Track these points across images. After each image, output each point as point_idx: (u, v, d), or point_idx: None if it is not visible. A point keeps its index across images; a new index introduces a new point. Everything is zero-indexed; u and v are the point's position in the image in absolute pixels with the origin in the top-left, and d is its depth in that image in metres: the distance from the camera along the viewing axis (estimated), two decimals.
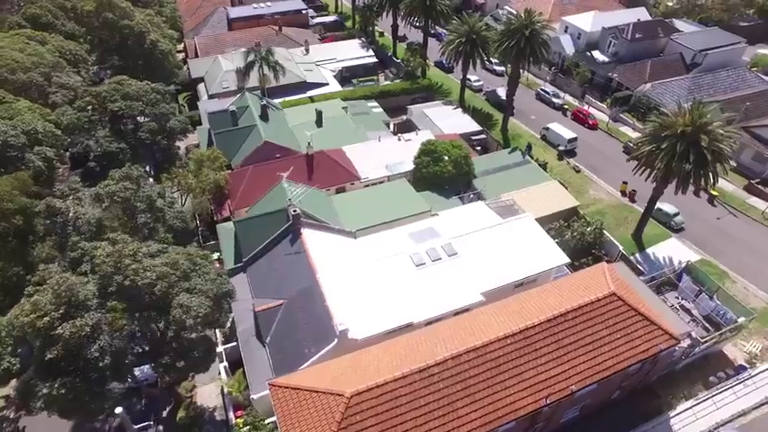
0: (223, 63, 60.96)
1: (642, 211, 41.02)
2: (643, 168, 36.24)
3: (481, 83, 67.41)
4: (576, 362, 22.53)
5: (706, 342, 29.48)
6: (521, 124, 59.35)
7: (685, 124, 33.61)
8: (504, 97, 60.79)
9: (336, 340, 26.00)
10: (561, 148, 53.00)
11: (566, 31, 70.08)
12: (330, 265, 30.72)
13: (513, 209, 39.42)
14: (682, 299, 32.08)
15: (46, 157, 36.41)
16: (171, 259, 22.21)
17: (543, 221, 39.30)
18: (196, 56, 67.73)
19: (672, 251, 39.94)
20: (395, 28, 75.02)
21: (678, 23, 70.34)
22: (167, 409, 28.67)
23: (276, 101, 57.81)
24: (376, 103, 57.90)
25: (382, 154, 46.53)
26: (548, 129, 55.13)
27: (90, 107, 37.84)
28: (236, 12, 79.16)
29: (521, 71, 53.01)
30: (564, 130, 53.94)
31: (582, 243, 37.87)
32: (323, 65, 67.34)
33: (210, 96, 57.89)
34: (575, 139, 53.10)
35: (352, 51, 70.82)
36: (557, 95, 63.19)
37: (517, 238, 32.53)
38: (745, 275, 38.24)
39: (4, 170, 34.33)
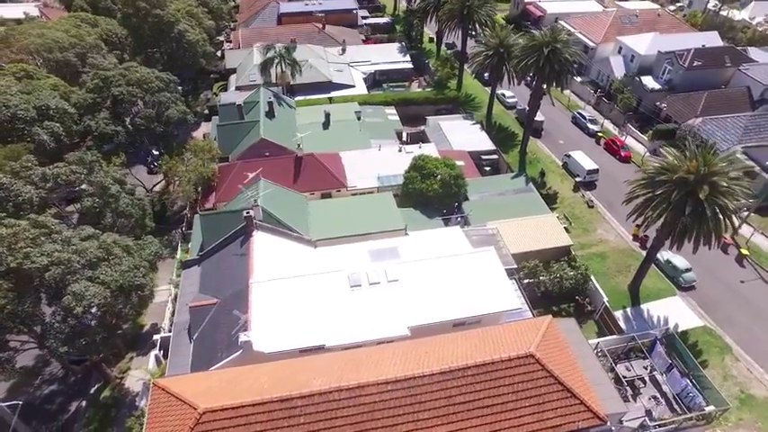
0: (256, 56, 62.36)
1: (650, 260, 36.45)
2: (635, 216, 32.11)
3: (515, 99, 63.73)
4: (467, 425, 20.20)
5: (662, 426, 25.44)
6: (544, 148, 55.41)
7: (689, 171, 29.25)
8: (538, 118, 57.20)
9: (241, 350, 25.40)
10: (579, 179, 48.70)
11: (619, 53, 64.42)
12: (271, 271, 30.17)
13: (492, 239, 36.79)
14: (652, 370, 27.97)
15: (53, 131, 39.04)
16: (81, 247, 22.78)
17: (529, 257, 36.39)
18: (238, 47, 70.07)
19: (670, 311, 35.23)
20: (439, 35, 73.15)
21: (755, 52, 62.11)
22: (95, 387, 29.67)
23: (298, 98, 58.44)
24: (394, 111, 56.53)
25: (378, 164, 45.24)
26: (569, 156, 50.92)
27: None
28: (286, 7, 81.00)
29: (563, 91, 49.25)
30: (586, 159, 49.50)
31: (560, 288, 34.39)
32: (357, 66, 66.94)
33: (237, 88, 59.50)
34: (596, 170, 48.55)
35: (389, 55, 69.81)
36: (594, 121, 58.28)
37: (472, 272, 30.00)
38: (754, 354, 32.78)
39: (11, 140, 37.21)
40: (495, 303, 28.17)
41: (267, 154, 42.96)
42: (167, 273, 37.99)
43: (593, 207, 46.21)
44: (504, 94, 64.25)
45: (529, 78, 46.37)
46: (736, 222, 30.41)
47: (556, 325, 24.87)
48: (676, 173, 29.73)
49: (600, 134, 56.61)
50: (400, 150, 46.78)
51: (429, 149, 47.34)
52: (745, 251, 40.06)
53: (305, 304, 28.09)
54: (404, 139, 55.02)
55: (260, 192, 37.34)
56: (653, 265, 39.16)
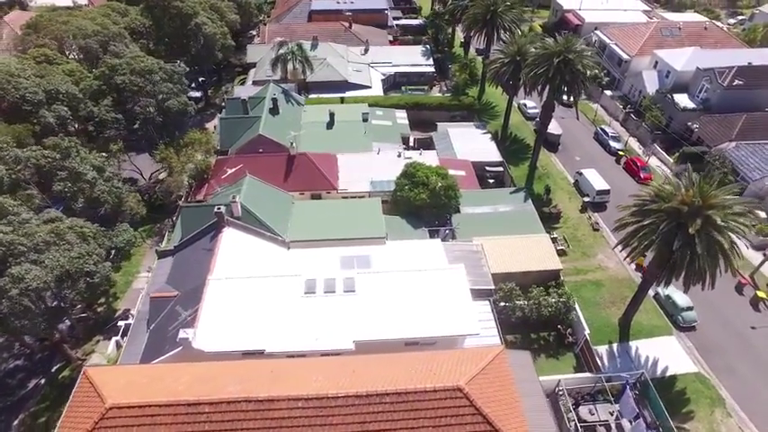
0: (262, 55, 62.89)
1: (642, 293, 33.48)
2: (623, 246, 29.44)
3: (536, 110, 60.71)
4: None
5: None
6: (557, 163, 52.54)
7: (683, 201, 26.46)
8: (555, 132, 54.39)
9: (181, 347, 25.16)
10: (588, 199, 45.72)
11: (654, 67, 60.19)
12: (233, 269, 29.89)
13: (475, 256, 34.99)
14: (619, 417, 25.43)
15: (59, 115, 40.50)
16: (31, 230, 23.22)
17: (513, 278, 34.36)
18: (264, 42, 70.84)
19: (662, 352, 32.22)
20: (467, 39, 71.26)
21: None
22: (57, 366, 30.39)
23: (312, 96, 58.28)
24: (404, 115, 55.22)
25: (374, 168, 44.23)
26: (581, 174, 47.95)
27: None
28: (317, 4, 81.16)
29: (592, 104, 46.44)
30: (597, 178, 46.41)
31: (538, 315, 32.16)
32: (377, 67, 66.08)
33: (254, 83, 60.08)
34: (606, 191, 45.40)
35: (412, 58, 68.50)
36: (617, 139, 54.74)
37: (434, 290, 28.49)
38: (750, 410, 29.33)
39: (18, 121, 38.83)
40: (452, 326, 26.60)
41: (261, 150, 42.82)
42: (152, 260, 38.57)
43: (598, 230, 43.23)
44: (525, 104, 61.58)
45: (539, 89, 43.78)
46: (738, 262, 27.12)
47: (505, 357, 23.07)
48: (668, 202, 27.00)
49: (621, 152, 53.04)
50: (399, 155, 45.56)
51: (429, 156, 45.97)
52: (762, 294, 36.16)
53: (256, 306, 27.63)
54: (411, 144, 53.68)
55: (243, 188, 37.26)
56: (653, 299, 36.27)
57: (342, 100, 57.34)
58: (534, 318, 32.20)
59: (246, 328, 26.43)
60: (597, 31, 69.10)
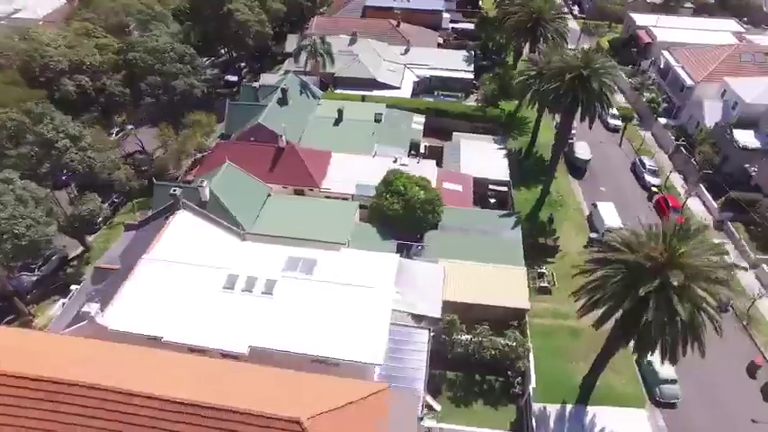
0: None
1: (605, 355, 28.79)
2: (576, 298, 25.28)
3: (574, 131, 55.44)
4: None
5: None
6: (578, 191, 47.48)
7: (648, 255, 22.06)
8: (583, 156, 49.29)
9: (86, 321, 25.35)
10: (595, 235, 40.66)
11: (722, 96, 52.38)
12: (171, 252, 29.81)
13: (432, 279, 32.23)
14: None
15: (80, 84, 43.18)
16: None
17: (472, 310, 31.24)
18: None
19: (623, 427, 27.42)
20: (517, 48, 66.82)
21: None
22: (6, 319, 32.15)
23: (338, 91, 57.54)
24: (422, 120, 52.71)
25: (366, 171, 42.38)
26: (595, 206, 42.79)
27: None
28: (372, 0, 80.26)
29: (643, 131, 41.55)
30: (611, 214, 41.14)
31: (480, 356, 28.80)
32: (413, 68, 63.92)
33: (285, 72, 60.58)
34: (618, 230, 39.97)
35: (453, 63, 65.37)
36: (655, 172, 48.36)
37: (352, 309, 26.41)
38: None
39: (40, 87, 41.79)
40: (352, 351, 24.39)
41: (252, 139, 42.68)
42: None
43: None
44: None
45: (554, 106, 39.53)
46: (705, 333, 22.10)
47: (385, 397, 20.62)
48: (635, 253, 22.70)
49: (655, 189, 46.69)
50: (395, 161, 43.32)
51: (427, 166, 43.28)
52: None
53: (175, 293, 27.33)
54: (422, 151, 51.21)
55: (217, 174, 37.29)
56: (635, 361, 31.28)
57: (363, 98, 55.96)
58: (476, 358, 28.86)
59: (156, 313, 26.15)
60: (664, 52, 61.58)
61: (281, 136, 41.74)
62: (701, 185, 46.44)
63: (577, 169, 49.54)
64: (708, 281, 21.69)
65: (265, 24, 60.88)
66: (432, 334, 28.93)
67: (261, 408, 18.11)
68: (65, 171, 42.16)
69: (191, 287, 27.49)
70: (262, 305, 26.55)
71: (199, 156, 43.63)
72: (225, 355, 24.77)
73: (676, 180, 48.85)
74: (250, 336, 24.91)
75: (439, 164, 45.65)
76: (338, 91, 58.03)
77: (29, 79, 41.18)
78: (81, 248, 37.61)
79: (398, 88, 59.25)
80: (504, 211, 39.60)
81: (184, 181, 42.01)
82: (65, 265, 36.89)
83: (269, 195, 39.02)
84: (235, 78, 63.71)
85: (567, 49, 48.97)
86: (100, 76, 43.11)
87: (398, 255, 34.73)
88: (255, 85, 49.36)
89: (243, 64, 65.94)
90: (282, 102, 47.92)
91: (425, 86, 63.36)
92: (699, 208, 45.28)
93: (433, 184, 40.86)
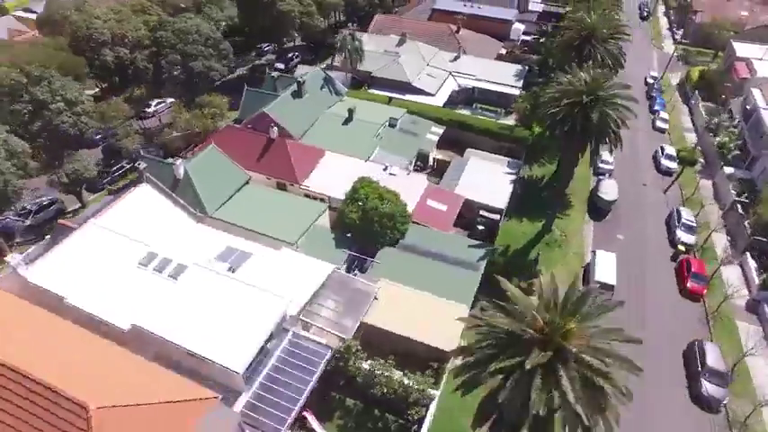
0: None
1: None
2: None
3: (611, 167, 49.20)
4: None
5: None
6: (589, 234, 42.21)
7: (535, 327, 18.37)
8: (608, 197, 43.56)
9: (11, 271, 27.36)
10: (582, 289, 35.29)
11: None
12: (114, 222, 31.26)
13: (358, 299, 30.34)
14: None
15: (119, 56, 47.11)
16: None
17: (391, 339, 28.97)
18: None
19: None
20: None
21: None
22: None
23: (372, 91, 56.57)
24: (438, 131, 50.05)
25: (351, 174, 40.83)
26: (594, 254, 37.37)
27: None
28: (442, 3, 77.88)
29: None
30: (607, 267, 35.79)
31: (370, 389, 26.37)
32: (458, 77, 60.96)
33: (327, 66, 61.04)
34: (609, 286, 34.63)
35: (502, 76, 61.11)
36: (691, 229, 41.19)
37: (247, 313, 25.55)
38: None
39: (82, 56, 46.04)
40: (220, 353, 23.58)
41: (250, 126, 43.29)
42: None
43: None
44: (600, 156, 50.11)
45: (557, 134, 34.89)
46: None
47: (206, 407, 19.64)
48: (518, 321, 19.10)
49: (683, 248, 39.64)
50: (385, 169, 41.53)
51: (415, 180, 40.94)
52: None
53: (97, 259, 28.57)
54: (430, 163, 48.62)
55: (199, 155, 38.43)
56: None
57: (390, 100, 54.46)
58: (367, 391, 26.53)
59: (72, 275, 27.45)
60: (754, 89, 52.08)
61: (273, 127, 41.86)
62: (747, 254, 38.57)
63: (599, 210, 43.74)
64: (593, 372, 17.50)
65: (314, 16, 61.68)
66: (335, 355, 27.14)
67: (69, 385, 18.07)
68: (99, 135, 46.67)
69: (112, 257, 28.54)
70: (163, 288, 26.79)
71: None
72: (111, 332, 25.28)
73: (719, 241, 41.07)
74: (138, 315, 25.18)
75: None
76: (371, 90, 57.09)
77: (75, 47, 45.54)
78: (78, 204, 40.98)
79: (432, 95, 56.76)
80: (477, 242, 35.98)
81: (182, 156, 43.86)
82: (60, 216, 40.44)
83: (246, 183, 39.31)
84: (282, 66, 65.43)
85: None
86: (134, 50, 46.44)
87: (343, 266, 33.46)
88: (274, 74, 49.96)
89: (296, 54, 67.44)
90: (297, 94, 48.04)
91: (466, 97, 60.12)
92: (735, 279, 37.61)
93: (415, 200, 38.70)
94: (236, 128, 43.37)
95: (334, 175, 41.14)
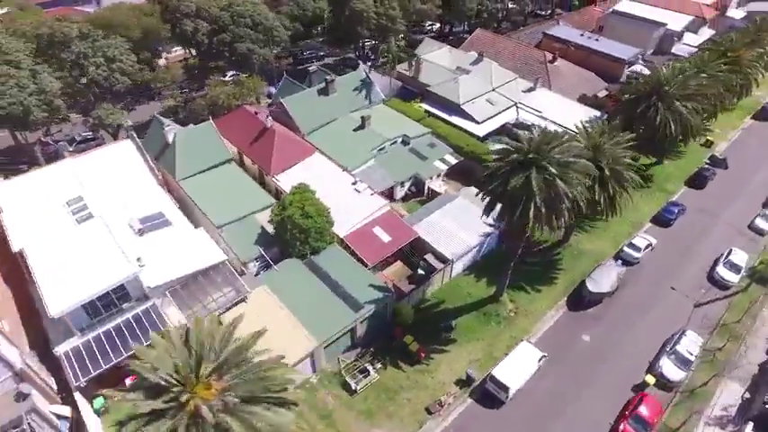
0: (428, 52, 60.77)
1: None
2: None
3: (638, 255, 39.85)
4: None
5: None
6: (551, 320, 34.98)
7: None
8: (598, 288, 36.05)
9: None
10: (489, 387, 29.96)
11: None
12: (85, 164, 36.57)
13: (228, 292, 30.60)
14: None
15: (196, 27, 53.74)
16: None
17: None
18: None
19: None
20: None
21: None
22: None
23: (422, 105, 54.53)
24: (450, 161, 46.42)
25: (319, 179, 40.59)
26: (516, 345, 31.20)
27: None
28: (558, 29, 70.33)
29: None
30: (516, 367, 29.58)
31: None
32: (523, 109, 55.31)
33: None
34: (503, 387, 28.66)
35: (570, 119, 53.14)
36: (685, 362, 31.51)
37: (95, 266, 27.99)
38: None
39: (169, 26, 53.40)
40: (49, 289, 26.25)
41: (255, 112, 45.47)
42: None
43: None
44: (632, 244, 40.99)
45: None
46: None
47: None
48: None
49: (650, 380, 30.58)
50: (354, 184, 40.25)
51: (375, 203, 38.78)
52: None
53: (49, 187, 33.85)
54: (425, 190, 45.39)
55: (193, 127, 42.15)
56: None
57: (427, 115, 51.95)
58: None
59: (22, 193, 33.13)
60: None
61: (268, 116, 43.49)
62: (750, 423, 28.29)
63: (582, 299, 36.04)
64: None
65: (395, 20, 61.31)
66: None
67: None
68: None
69: (57, 189, 33.53)
70: (65, 226, 31.17)
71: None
72: None
73: (725, 391, 30.70)
74: (31, 240, 29.48)
75: None
76: (422, 104, 55.21)
77: (163, 15, 52.88)
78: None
79: (477, 122, 52.47)
80: (382, 285, 32.79)
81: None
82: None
83: (227, 162, 41.78)
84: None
85: None
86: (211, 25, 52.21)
87: (256, 263, 34.01)
88: (312, 68, 51.39)
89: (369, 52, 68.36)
90: (323, 92, 48.79)
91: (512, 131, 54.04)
92: None
93: (358, 222, 36.89)
94: (246, 109, 46.12)
95: (305, 176, 41.12)
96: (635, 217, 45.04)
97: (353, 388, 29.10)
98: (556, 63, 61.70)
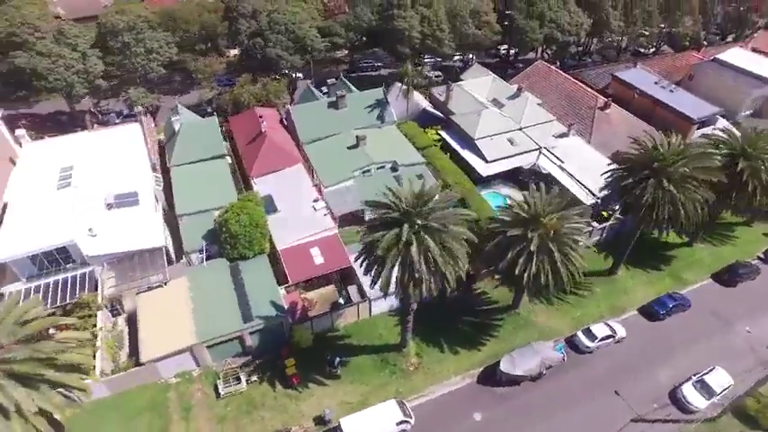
0: (471, 78, 59.25)
1: None
2: None
3: (611, 337, 35.54)
4: None
5: None
6: (443, 389, 32.99)
7: None
8: (509, 369, 33.49)
9: None
10: None
11: None
12: (93, 139, 43.24)
13: (151, 274, 34.34)
14: None
15: (248, 27, 58.74)
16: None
17: None
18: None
19: None
20: None
21: None
22: None
23: (442, 132, 53.78)
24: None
25: (291, 191, 42.69)
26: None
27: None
28: (629, 74, 62.90)
29: None
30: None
31: None
32: (545, 155, 51.60)
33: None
34: None
35: (592, 175, 48.35)
36: None
37: (48, 226, 33.21)
38: None
39: (227, 23, 59.18)
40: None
41: (260, 116, 48.43)
42: None
43: None
44: (589, 330, 36.52)
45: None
46: None
47: None
48: None
49: None
50: (315, 201, 41.61)
51: (325, 224, 39.75)
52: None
53: (55, 154, 40.75)
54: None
55: (201, 119, 46.97)
56: None
57: (429, 146, 50.91)
58: None
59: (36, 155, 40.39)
60: None
61: (263, 122, 46.32)
62: None
63: (495, 376, 33.36)
64: None
65: (444, 42, 60.43)
66: None
67: None
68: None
69: (61, 157, 40.15)
70: (49, 188, 37.16)
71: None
72: None
73: None
74: (15, 195, 36.13)
75: None
76: (442, 132, 54.35)
77: (224, 13, 58.64)
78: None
79: (486, 161, 50.13)
80: (280, 305, 33.66)
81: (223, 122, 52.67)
82: None
83: (221, 157, 45.73)
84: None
85: None
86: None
87: (200, 254, 37.30)
88: (331, 80, 53.16)
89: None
90: (333, 105, 50.40)
91: (528, 177, 50.48)
92: None
93: (297, 239, 38.17)
94: (254, 112, 49.61)
95: (277, 183, 43.55)
96: (620, 301, 40.00)
97: (219, 391, 30.94)
98: (607, 111, 55.83)
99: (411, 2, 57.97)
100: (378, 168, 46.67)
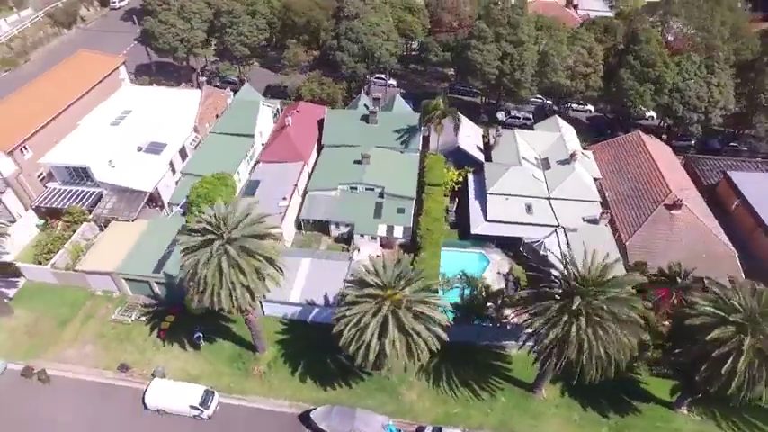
0: (534, 133, 54.64)
1: None
2: None
3: None
4: None
5: None
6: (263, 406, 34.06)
7: None
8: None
9: None
10: None
11: None
12: (163, 95, 54.55)
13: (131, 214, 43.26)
14: None
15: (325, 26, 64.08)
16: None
17: None
18: None
19: None
20: None
21: None
22: None
23: (471, 178, 51.47)
24: (398, 233, 44.20)
25: (273, 184, 46.66)
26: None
27: None
28: (744, 175, 48.24)
29: None
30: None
31: None
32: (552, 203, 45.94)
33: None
34: None
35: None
36: None
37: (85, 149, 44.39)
38: None
39: (334, 21, 65.36)
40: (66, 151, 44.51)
41: (297, 110, 53.21)
42: None
43: None
44: None
45: None
46: None
47: None
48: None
49: None
50: (284, 199, 45.11)
51: (283, 224, 43.04)
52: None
53: (131, 100, 52.95)
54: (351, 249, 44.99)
55: (250, 98, 54.52)
56: None
57: (439, 184, 48.71)
58: None
59: (120, 101, 53.05)
60: None
61: (289, 116, 51.06)
62: None
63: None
64: None
65: (521, 86, 56.14)
66: None
67: None
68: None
69: (132, 102, 51.97)
70: (106, 124, 48.82)
71: None
72: None
73: None
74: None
75: None
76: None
77: (336, 11, 64.37)
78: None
79: (485, 219, 46.50)
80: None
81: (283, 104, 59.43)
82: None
83: (249, 136, 52.38)
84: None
85: None
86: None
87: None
88: (377, 94, 54.69)
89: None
90: (365, 119, 52.31)
91: (529, 251, 44.94)
92: None
93: None
94: (301, 104, 54.90)
95: (274, 173, 48.18)
96: (519, 425, 34.01)
97: (113, 315, 38.12)
98: (676, 212, 44.81)
99: (496, 36, 54.78)
100: (366, 189, 47.30)
